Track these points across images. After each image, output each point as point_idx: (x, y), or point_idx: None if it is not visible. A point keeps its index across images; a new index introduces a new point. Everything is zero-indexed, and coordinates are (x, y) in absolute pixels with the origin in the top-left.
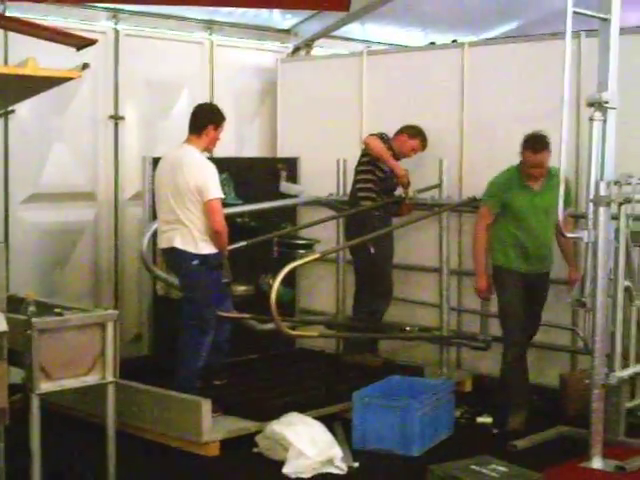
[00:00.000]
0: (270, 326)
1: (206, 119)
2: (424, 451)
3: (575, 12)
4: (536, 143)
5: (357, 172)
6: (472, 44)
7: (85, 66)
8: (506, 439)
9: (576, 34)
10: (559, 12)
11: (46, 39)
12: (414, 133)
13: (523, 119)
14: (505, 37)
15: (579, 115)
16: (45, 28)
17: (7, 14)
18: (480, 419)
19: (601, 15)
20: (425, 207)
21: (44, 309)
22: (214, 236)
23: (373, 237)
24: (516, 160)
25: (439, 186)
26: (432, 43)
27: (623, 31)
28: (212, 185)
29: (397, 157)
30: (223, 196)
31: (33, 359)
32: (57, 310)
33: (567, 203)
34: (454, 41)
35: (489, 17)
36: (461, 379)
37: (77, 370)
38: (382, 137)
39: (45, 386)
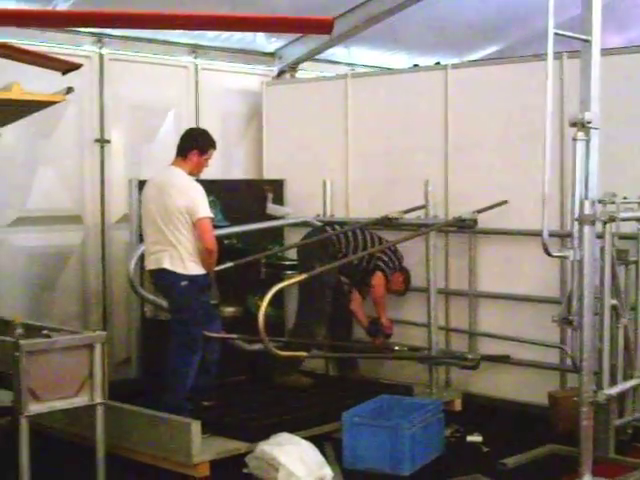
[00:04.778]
0: (258, 347)
1: (190, 144)
2: (414, 470)
3: (556, 34)
4: None
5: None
6: (455, 66)
7: (69, 90)
8: (496, 458)
9: (558, 55)
10: (541, 34)
11: (31, 63)
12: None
13: (506, 139)
14: (488, 59)
15: (563, 135)
16: (30, 53)
17: None
18: (470, 438)
19: (582, 36)
20: (411, 227)
21: (32, 331)
22: (205, 254)
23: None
24: (498, 179)
25: (425, 207)
26: (416, 65)
27: (605, 52)
28: (201, 205)
29: None
30: (212, 216)
31: (21, 381)
32: (45, 332)
33: None
34: (437, 63)
35: (472, 40)
36: (451, 398)
37: (66, 392)
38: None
39: (34, 408)
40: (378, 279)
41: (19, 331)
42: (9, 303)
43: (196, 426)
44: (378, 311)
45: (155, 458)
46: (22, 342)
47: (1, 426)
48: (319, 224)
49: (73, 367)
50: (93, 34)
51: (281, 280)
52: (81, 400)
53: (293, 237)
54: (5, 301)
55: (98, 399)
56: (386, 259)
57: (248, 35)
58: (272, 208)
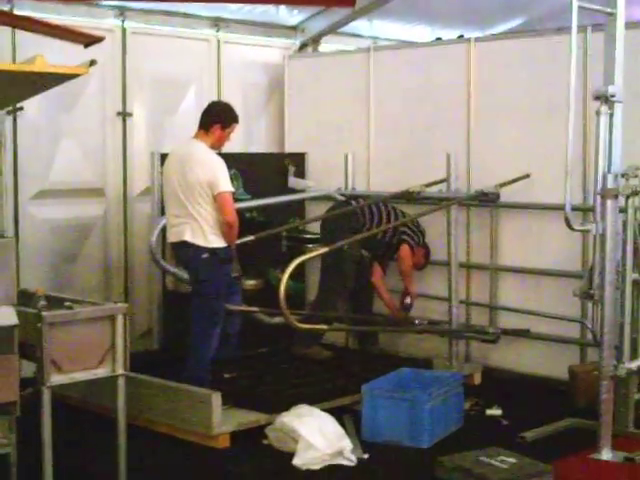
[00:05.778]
0: (279, 319)
1: (213, 118)
2: (434, 443)
3: (581, 7)
4: None
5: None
6: (478, 39)
7: (92, 63)
8: (516, 431)
9: (582, 28)
10: (565, 7)
11: (54, 36)
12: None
13: (529, 113)
14: (511, 32)
15: (586, 109)
16: (53, 26)
17: (15, 12)
18: (490, 411)
19: (607, 9)
20: (433, 201)
21: (54, 303)
22: (226, 228)
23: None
24: (520, 153)
25: (447, 180)
26: (438, 39)
27: (629, 25)
28: (222, 178)
29: None
30: (233, 189)
31: (44, 352)
32: (67, 304)
33: None
34: (460, 36)
35: (495, 13)
36: (470, 372)
37: (87, 363)
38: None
39: (56, 379)
40: (405, 251)
41: (41, 303)
42: (32, 275)
43: (216, 398)
44: (406, 283)
45: (175, 429)
46: (44, 313)
47: (23, 397)
48: (340, 197)
49: (95, 338)
50: (115, 7)
51: (302, 254)
52: (103, 371)
53: (314, 211)
54: (28, 273)
55: (119, 370)
56: (410, 233)
57: (270, 8)
58: (294, 181)
